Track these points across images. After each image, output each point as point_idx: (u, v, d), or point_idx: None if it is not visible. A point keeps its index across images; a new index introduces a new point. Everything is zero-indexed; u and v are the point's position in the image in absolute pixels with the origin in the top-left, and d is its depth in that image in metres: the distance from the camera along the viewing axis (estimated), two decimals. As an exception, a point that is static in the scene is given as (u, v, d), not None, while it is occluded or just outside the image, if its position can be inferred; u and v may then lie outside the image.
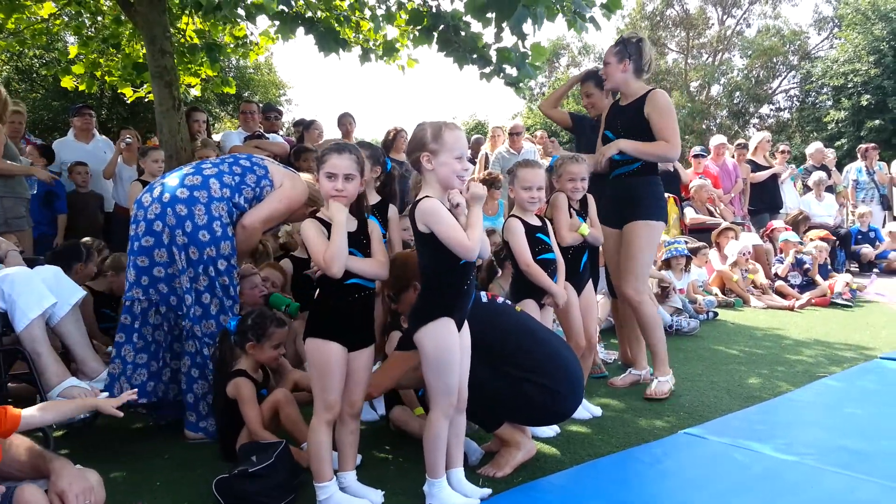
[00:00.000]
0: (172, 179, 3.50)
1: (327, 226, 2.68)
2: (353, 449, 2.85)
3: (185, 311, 3.44)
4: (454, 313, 2.65)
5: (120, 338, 3.49)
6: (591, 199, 4.21)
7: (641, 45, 4.18)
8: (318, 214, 2.78)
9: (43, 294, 3.24)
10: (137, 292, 3.47)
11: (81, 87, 8.30)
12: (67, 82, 8.17)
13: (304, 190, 3.78)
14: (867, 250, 10.51)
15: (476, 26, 6.16)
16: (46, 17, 7.69)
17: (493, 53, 6.24)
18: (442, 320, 2.63)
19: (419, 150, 2.66)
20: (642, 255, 4.20)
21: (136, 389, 3.08)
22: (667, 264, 6.96)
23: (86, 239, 5.24)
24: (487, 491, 2.80)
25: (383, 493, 2.81)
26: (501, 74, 6.34)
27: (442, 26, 6.16)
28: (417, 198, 2.68)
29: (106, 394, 3.36)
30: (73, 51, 8.12)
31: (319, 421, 2.70)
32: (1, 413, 2.26)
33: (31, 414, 2.44)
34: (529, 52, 6.12)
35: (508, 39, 6.06)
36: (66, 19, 8.13)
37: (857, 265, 10.62)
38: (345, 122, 8.16)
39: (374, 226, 2.87)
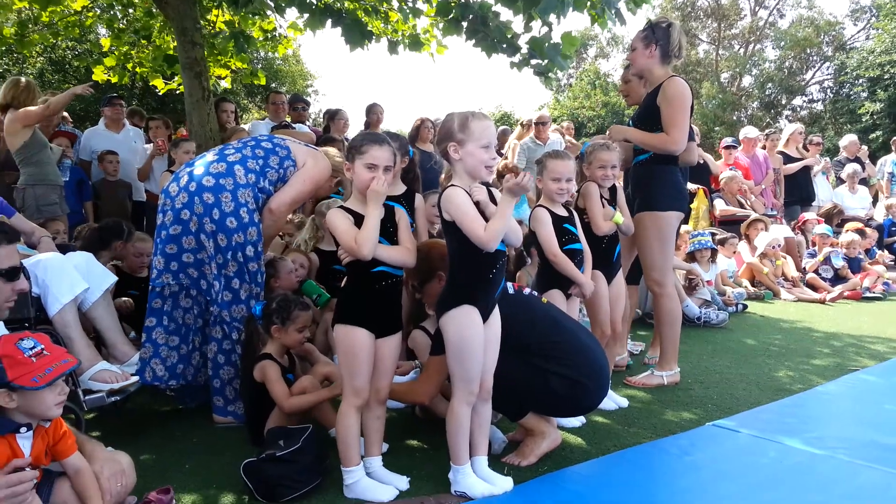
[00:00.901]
0: (198, 168, 3.53)
1: (353, 215, 2.71)
2: (378, 434, 2.87)
3: (214, 297, 3.48)
4: (478, 302, 2.65)
5: (150, 322, 3.54)
6: (619, 187, 4.17)
7: (670, 29, 4.09)
8: (344, 204, 2.80)
9: (75, 280, 3.30)
10: (167, 277, 3.52)
11: (113, 79, 8.43)
12: (99, 74, 8.30)
13: (326, 166, 3.81)
14: None
15: (505, 15, 6.13)
16: (79, 9, 7.80)
17: (524, 44, 6.20)
18: (464, 308, 2.63)
19: (447, 140, 2.66)
20: (650, 247, 4.15)
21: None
22: (692, 257, 6.89)
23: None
24: (510, 480, 2.80)
25: (409, 478, 2.82)
26: (531, 64, 6.30)
27: (471, 16, 6.13)
28: (444, 186, 2.68)
29: (136, 378, 3.43)
30: (105, 43, 8.24)
31: (348, 406, 2.73)
32: (60, 434, 2.28)
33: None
34: (561, 42, 6.07)
35: (538, 30, 6.03)
36: (99, 12, 8.23)
37: (892, 258, 10.41)
38: (374, 111, 8.16)
39: (401, 214, 2.88)
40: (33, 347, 2.18)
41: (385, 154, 2.73)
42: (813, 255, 8.39)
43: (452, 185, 2.65)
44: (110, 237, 4.44)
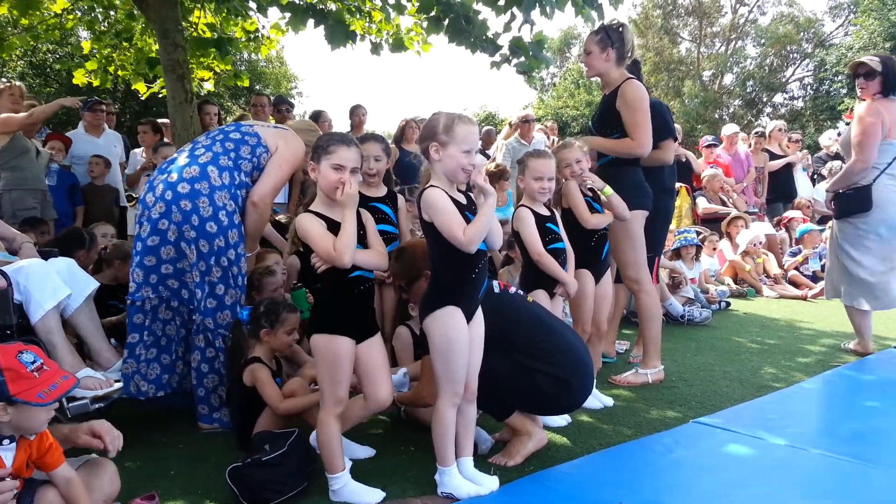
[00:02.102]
0: (172, 175, 3.45)
1: (323, 219, 2.67)
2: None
3: (197, 305, 3.46)
4: (461, 302, 2.66)
5: (133, 338, 3.48)
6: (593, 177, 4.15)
7: (623, 31, 4.12)
8: (311, 208, 2.76)
9: (57, 286, 3.27)
10: (147, 291, 3.46)
11: (95, 83, 8.36)
12: (80, 78, 8.23)
13: (299, 144, 3.72)
14: None
15: (485, 14, 6.16)
16: (59, 11, 7.74)
17: (504, 43, 6.22)
18: (448, 308, 2.64)
19: (429, 140, 2.66)
20: (621, 246, 4.18)
21: None
22: (676, 254, 6.94)
23: (92, 225, 5.28)
24: (496, 479, 2.82)
25: (384, 493, 2.78)
26: (513, 63, 6.32)
27: (452, 15, 6.15)
28: (423, 187, 2.68)
29: (121, 384, 3.41)
30: (85, 46, 8.18)
31: (328, 415, 2.71)
32: (46, 446, 2.25)
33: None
34: (544, 40, 6.11)
35: (517, 28, 6.06)
36: (79, 14, 8.16)
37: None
38: (357, 113, 8.14)
39: (368, 216, 2.86)
40: (34, 362, 2.13)
41: (352, 155, 2.70)
42: (795, 254, 8.46)
43: (432, 185, 2.64)
44: (71, 247, 4.34)
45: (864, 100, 4.85)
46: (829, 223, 8.28)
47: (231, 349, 3.46)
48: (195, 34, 7.77)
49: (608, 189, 3.94)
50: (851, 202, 4.86)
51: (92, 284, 3.57)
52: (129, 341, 3.49)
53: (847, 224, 4.94)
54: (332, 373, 2.68)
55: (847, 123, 7.18)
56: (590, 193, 4.02)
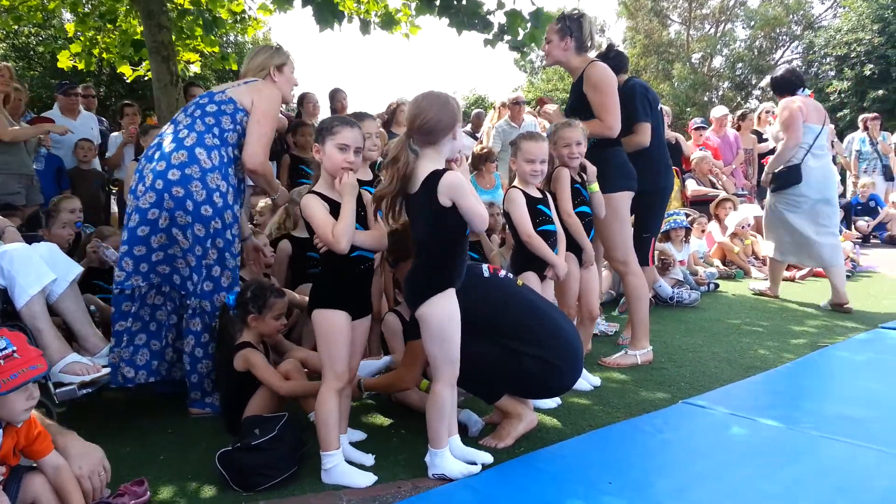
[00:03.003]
0: (160, 164, 3.37)
1: (327, 201, 2.72)
2: (346, 413, 2.97)
3: (193, 289, 3.42)
4: (455, 284, 2.70)
5: (120, 326, 3.43)
6: (589, 167, 4.15)
7: (582, 20, 4.14)
8: (316, 189, 2.79)
9: (42, 270, 3.22)
10: (137, 279, 3.41)
11: (80, 65, 8.25)
12: (64, 61, 8.12)
13: (272, 94, 3.63)
14: (862, 223, 10.53)
15: None
16: (41, -8, 7.63)
17: (501, 18, 6.18)
18: (448, 292, 2.68)
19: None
20: (608, 228, 4.20)
21: None
22: (666, 236, 6.94)
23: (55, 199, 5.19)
24: (489, 456, 2.84)
25: (374, 456, 2.91)
26: (506, 39, 6.28)
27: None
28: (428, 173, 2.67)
29: (108, 369, 3.38)
30: (69, 28, 8.06)
31: (329, 389, 2.74)
32: (34, 434, 2.23)
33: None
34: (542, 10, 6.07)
35: (510, 2, 6.03)
36: (63, -5, 8.05)
37: (859, 236, 10.61)
38: (338, 98, 7.97)
39: (368, 198, 2.88)
40: (4, 349, 2.11)
41: (356, 135, 2.77)
42: None
43: (447, 170, 2.68)
44: (33, 230, 4.33)
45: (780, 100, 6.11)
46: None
47: (219, 333, 3.43)
48: (181, 18, 7.67)
49: (595, 186, 3.99)
50: (786, 178, 5.95)
51: (75, 269, 3.52)
52: (117, 329, 3.44)
53: (783, 195, 6.03)
54: (331, 347, 2.74)
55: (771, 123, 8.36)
56: (579, 179, 4.02)
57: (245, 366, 3.22)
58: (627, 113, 4.19)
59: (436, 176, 2.63)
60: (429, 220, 2.70)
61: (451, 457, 2.75)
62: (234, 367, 3.25)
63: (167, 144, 3.45)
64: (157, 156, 3.44)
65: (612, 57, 4.41)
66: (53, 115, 7.20)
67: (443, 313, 2.67)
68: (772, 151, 9.69)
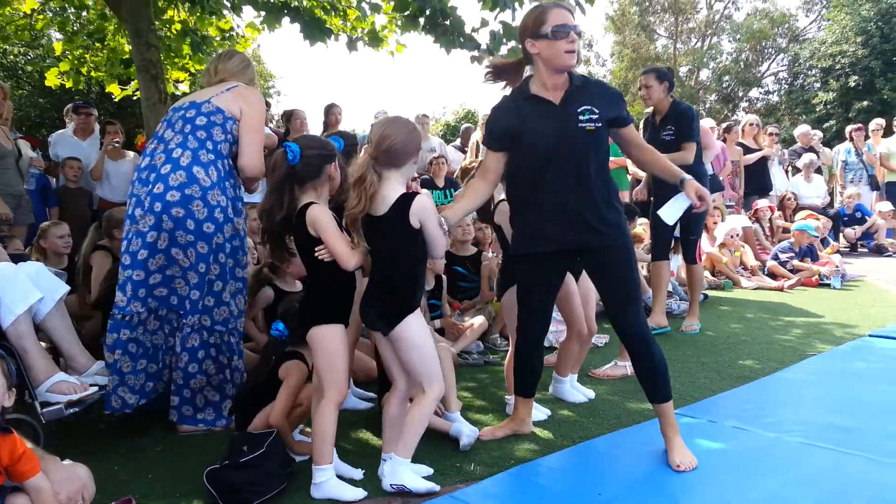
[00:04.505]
0: (157, 186, 3.33)
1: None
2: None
3: (192, 307, 3.40)
4: (419, 304, 2.84)
5: (117, 354, 3.38)
6: None
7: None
8: (321, 203, 2.81)
9: (28, 289, 3.19)
10: (136, 306, 3.37)
11: (68, 84, 8.24)
12: (52, 79, 8.12)
13: (257, 100, 3.63)
14: (850, 231, 10.61)
15: (462, 9, 6.16)
16: (29, 11, 7.63)
17: (488, 33, 6.23)
18: (417, 311, 2.78)
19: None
20: None
21: None
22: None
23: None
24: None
25: (363, 471, 2.93)
26: (490, 59, 6.31)
27: (429, 11, 6.14)
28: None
29: (96, 388, 3.35)
30: (57, 47, 8.07)
31: (330, 403, 2.75)
32: (19, 454, 2.20)
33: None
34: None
35: (495, 17, 6.08)
36: (50, 14, 8.06)
37: (847, 245, 10.70)
38: (332, 112, 8.07)
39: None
40: None
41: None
42: (785, 250, 8.37)
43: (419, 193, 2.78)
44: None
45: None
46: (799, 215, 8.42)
47: (262, 356, 3.37)
48: (170, 34, 7.70)
49: None
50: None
51: (62, 288, 3.48)
52: (115, 358, 3.38)
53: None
54: (336, 361, 2.77)
55: None
56: None
57: (285, 375, 3.20)
58: (681, 131, 5.00)
59: (408, 198, 2.69)
60: (397, 241, 2.74)
61: (410, 469, 2.77)
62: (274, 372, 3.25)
63: (162, 166, 3.38)
64: (152, 178, 3.38)
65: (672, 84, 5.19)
66: (65, 135, 7.12)
67: (423, 328, 2.80)
68: (761, 161, 9.87)
